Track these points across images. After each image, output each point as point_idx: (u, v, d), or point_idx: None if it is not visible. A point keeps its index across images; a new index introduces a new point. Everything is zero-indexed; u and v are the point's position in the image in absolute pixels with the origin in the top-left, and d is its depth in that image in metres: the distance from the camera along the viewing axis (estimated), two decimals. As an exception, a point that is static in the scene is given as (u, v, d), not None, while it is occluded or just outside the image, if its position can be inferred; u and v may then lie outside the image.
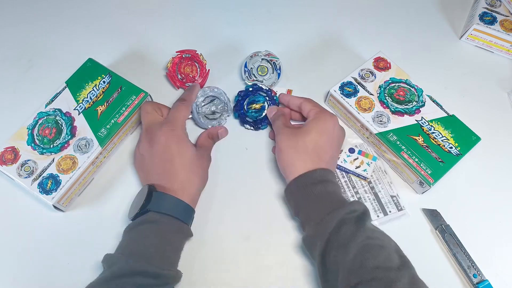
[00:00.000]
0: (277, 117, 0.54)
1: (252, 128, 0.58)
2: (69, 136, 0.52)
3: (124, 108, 0.54)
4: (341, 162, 0.56)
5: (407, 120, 0.56)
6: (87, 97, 0.55)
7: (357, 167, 0.55)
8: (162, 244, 0.44)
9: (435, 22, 0.71)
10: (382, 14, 0.71)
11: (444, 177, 0.52)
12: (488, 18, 0.66)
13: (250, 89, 0.58)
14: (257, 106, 0.58)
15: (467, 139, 0.54)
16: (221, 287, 0.49)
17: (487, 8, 0.68)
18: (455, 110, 0.56)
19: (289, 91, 0.62)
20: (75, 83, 0.56)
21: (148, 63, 0.64)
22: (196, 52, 0.61)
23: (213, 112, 0.58)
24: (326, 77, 0.63)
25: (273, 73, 0.61)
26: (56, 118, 0.53)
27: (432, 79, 0.63)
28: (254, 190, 0.55)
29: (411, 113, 0.56)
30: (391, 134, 0.54)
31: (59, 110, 0.54)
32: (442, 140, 0.54)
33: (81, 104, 0.54)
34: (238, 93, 0.59)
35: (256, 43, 0.65)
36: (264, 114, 0.58)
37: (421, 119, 0.56)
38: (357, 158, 0.56)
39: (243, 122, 0.58)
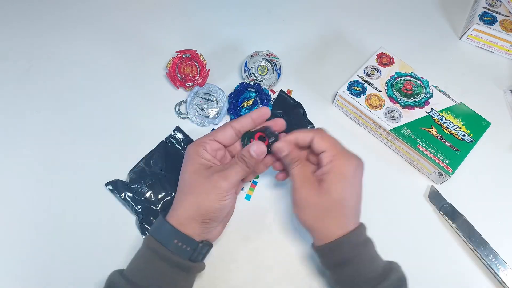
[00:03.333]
0: (293, 162, 0.44)
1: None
2: None
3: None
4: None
5: (418, 113, 0.56)
6: None
7: None
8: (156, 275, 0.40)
9: (435, 22, 0.71)
10: (382, 15, 0.71)
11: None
12: (488, 18, 0.66)
13: (239, 88, 0.59)
14: (249, 102, 0.58)
15: (478, 125, 0.55)
16: (221, 287, 0.49)
17: (487, 8, 0.68)
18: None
19: (289, 91, 0.62)
20: None
21: (148, 63, 0.64)
22: (196, 52, 0.61)
23: (202, 108, 0.58)
24: (326, 77, 0.63)
25: (273, 73, 0.61)
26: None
27: (432, 78, 0.63)
28: (257, 192, 0.55)
29: (420, 105, 0.57)
30: (405, 128, 0.55)
31: None
32: (454, 129, 0.55)
33: None
34: (228, 96, 0.59)
35: (256, 43, 0.65)
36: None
37: (432, 110, 0.56)
38: None
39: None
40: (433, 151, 0.53)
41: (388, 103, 0.57)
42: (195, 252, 0.42)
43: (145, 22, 0.68)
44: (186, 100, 0.59)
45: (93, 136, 0.57)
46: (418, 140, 0.54)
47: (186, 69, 0.60)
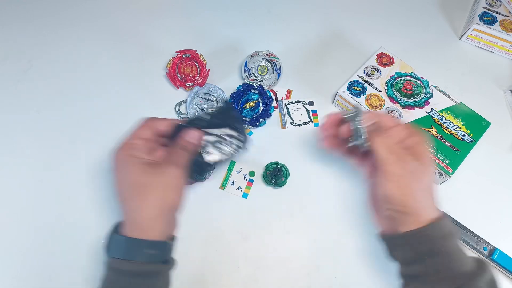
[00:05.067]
0: (377, 129, 0.43)
1: (250, 126, 0.58)
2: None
3: None
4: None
5: (418, 113, 0.56)
6: None
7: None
8: None
9: (435, 22, 0.71)
10: (382, 14, 0.71)
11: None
12: (488, 18, 0.66)
13: (241, 89, 0.59)
14: (252, 104, 0.58)
15: (477, 125, 0.56)
16: (221, 287, 0.49)
17: (487, 8, 0.68)
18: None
19: (289, 91, 0.62)
20: None
21: (148, 63, 0.64)
22: (196, 52, 0.61)
23: (202, 108, 0.58)
24: (326, 77, 0.63)
25: (273, 73, 0.61)
26: None
27: (432, 78, 0.63)
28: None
29: (420, 105, 0.57)
30: None
31: None
32: (454, 129, 0.55)
33: None
34: (230, 95, 0.59)
35: (256, 43, 0.65)
36: (259, 111, 0.58)
37: (432, 110, 0.56)
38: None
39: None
40: (433, 151, 0.53)
41: (388, 103, 0.57)
42: (167, 253, 0.41)
43: (145, 22, 0.68)
44: (186, 100, 0.59)
45: (93, 136, 0.57)
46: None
47: (186, 69, 0.60)
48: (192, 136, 0.44)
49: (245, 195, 0.54)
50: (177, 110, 0.59)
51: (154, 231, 0.39)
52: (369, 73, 0.59)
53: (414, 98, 0.57)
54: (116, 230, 0.40)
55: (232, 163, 0.56)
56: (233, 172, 0.55)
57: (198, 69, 0.61)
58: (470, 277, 0.37)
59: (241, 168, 0.56)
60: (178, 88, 0.61)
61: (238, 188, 0.54)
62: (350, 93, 0.58)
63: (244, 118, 0.58)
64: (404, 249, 0.40)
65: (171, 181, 0.41)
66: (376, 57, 0.61)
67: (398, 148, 0.42)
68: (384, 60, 0.61)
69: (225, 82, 0.62)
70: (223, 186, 0.54)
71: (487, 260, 0.46)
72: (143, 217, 0.39)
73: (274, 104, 0.60)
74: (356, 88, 0.58)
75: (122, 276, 0.38)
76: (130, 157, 0.41)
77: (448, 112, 0.56)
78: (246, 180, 0.55)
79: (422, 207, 0.40)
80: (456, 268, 0.38)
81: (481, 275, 0.37)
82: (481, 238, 0.51)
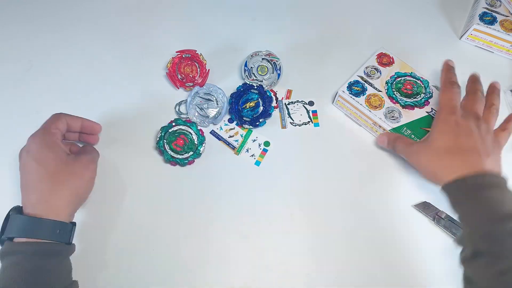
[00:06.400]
0: (395, 142, 0.54)
1: (250, 126, 0.58)
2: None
3: None
4: (217, 129, 0.57)
5: (418, 113, 0.56)
6: None
7: (230, 137, 0.56)
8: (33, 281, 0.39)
9: (435, 22, 0.71)
10: (382, 15, 0.71)
11: None
12: (488, 18, 0.66)
13: (241, 89, 0.59)
14: (252, 104, 0.58)
15: None
16: (221, 287, 0.49)
17: (487, 8, 0.68)
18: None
19: (289, 91, 0.62)
20: None
21: (148, 63, 0.64)
22: (196, 52, 0.61)
23: (202, 108, 0.58)
24: (326, 77, 0.63)
25: (273, 73, 0.61)
26: None
27: (432, 78, 0.63)
28: (253, 190, 0.55)
29: (420, 105, 0.57)
30: (405, 128, 0.55)
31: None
32: None
33: None
34: (230, 95, 0.59)
35: (256, 43, 0.65)
36: (259, 111, 0.58)
37: (432, 110, 0.56)
38: (233, 129, 0.57)
39: (240, 122, 0.58)
40: None
41: (388, 103, 0.57)
42: (70, 235, 0.44)
43: (145, 22, 0.68)
44: (186, 100, 0.59)
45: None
46: (418, 140, 0.54)
47: (186, 69, 0.60)
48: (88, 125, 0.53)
49: (257, 163, 0.56)
50: (177, 110, 0.59)
51: (64, 214, 0.44)
52: (369, 73, 0.59)
53: (414, 98, 0.57)
54: (18, 212, 0.42)
55: (249, 131, 0.58)
56: (249, 140, 0.57)
57: (198, 69, 0.61)
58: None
59: (257, 137, 0.58)
60: (178, 88, 0.61)
61: (252, 156, 0.56)
62: (350, 93, 0.58)
63: (244, 118, 0.58)
64: (460, 192, 0.45)
65: (88, 174, 0.47)
66: (376, 57, 0.61)
67: (416, 143, 0.52)
68: (384, 60, 0.61)
69: (225, 82, 0.62)
70: (237, 151, 0.56)
71: None
72: (57, 200, 0.43)
73: (274, 104, 0.60)
74: (356, 88, 0.58)
75: (26, 258, 0.39)
76: (55, 143, 0.46)
77: None
78: (261, 149, 0.57)
79: (450, 171, 0.46)
80: (503, 210, 0.41)
81: None
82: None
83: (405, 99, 0.57)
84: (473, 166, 0.45)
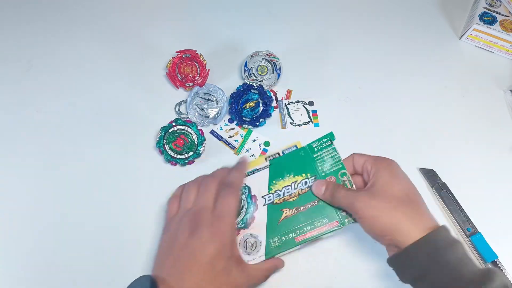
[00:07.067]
0: (335, 190, 0.43)
1: (250, 126, 0.58)
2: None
3: (309, 228, 0.44)
4: (217, 129, 0.57)
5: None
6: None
7: (230, 137, 0.56)
8: None
9: (435, 22, 0.71)
10: (382, 15, 0.72)
11: (440, 138, 0.57)
12: (488, 18, 0.66)
13: (241, 89, 0.59)
14: (252, 104, 0.58)
15: (302, 159, 0.48)
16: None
17: (487, 8, 0.68)
18: (452, 111, 0.56)
19: (289, 91, 0.62)
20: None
21: (148, 63, 0.64)
22: (196, 52, 0.61)
23: (202, 108, 0.58)
24: (327, 77, 0.63)
25: (273, 73, 0.61)
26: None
27: (432, 78, 0.63)
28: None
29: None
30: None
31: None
32: (289, 194, 0.46)
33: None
34: (230, 95, 0.59)
35: (256, 43, 0.65)
36: (259, 111, 0.58)
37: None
38: (233, 129, 0.57)
39: (240, 122, 0.58)
40: (309, 227, 0.45)
41: None
42: None
43: (145, 22, 0.68)
44: (186, 100, 0.59)
45: (92, 137, 0.57)
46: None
47: (186, 69, 0.60)
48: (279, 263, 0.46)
49: None
50: (177, 110, 0.59)
51: None
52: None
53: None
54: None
55: (249, 132, 0.58)
56: (249, 140, 0.57)
57: (198, 69, 0.61)
58: (476, 285, 0.35)
59: (257, 137, 0.57)
60: (178, 88, 0.61)
61: (252, 156, 0.56)
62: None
63: (244, 118, 0.58)
64: (408, 264, 0.38)
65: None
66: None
67: (357, 191, 0.42)
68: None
69: (225, 82, 0.62)
70: (237, 152, 0.56)
71: (498, 268, 0.47)
72: None
73: (274, 104, 0.60)
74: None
75: None
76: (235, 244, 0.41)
77: (274, 182, 0.47)
78: (261, 149, 0.56)
79: (407, 226, 0.38)
80: (463, 277, 0.36)
81: (489, 284, 0.34)
82: (469, 219, 0.52)
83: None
84: (429, 219, 0.39)
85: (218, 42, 0.66)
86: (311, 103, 0.61)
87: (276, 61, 0.61)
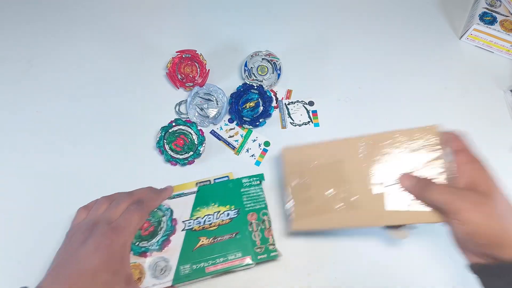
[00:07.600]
0: (427, 183, 0.39)
1: (250, 126, 0.58)
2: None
3: (222, 259, 0.44)
4: (217, 129, 0.57)
5: None
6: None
7: (230, 137, 0.56)
8: None
9: (435, 22, 0.71)
10: (382, 14, 0.72)
11: None
12: (488, 18, 0.66)
13: (241, 89, 0.59)
14: (252, 104, 0.58)
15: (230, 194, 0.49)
16: (221, 287, 0.49)
17: (487, 8, 0.68)
18: (452, 111, 0.56)
19: (289, 91, 0.62)
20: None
21: (148, 63, 0.64)
22: (196, 52, 0.61)
23: (202, 108, 0.58)
24: (326, 77, 0.63)
25: (273, 73, 0.61)
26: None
27: (432, 78, 0.63)
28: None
29: None
30: None
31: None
32: (210, 224, 0.47)
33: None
34: (230, 95, 0.59)
35: (256, 43, 0.65)
36: (259, 111, 0.58)
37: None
38: (233, 129, 0.57)
39: (240, 122, 0.58)
40: (222, 259, 0.45)
41: None
42: None
43: (145, 22, 0.68)
44: (186, 100, 0.59)
45: (93, 137, 0.57)
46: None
47: (186, 69, 0.60)
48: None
49: (257, 163, 0.56)
50: (177, 110, 0.59)
51: None
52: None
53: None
54: None
55: (249, 132, 0.58)
56: (249, 140, 0.57)
57: (198, 69, 0.61)
58: None
59: (257, 137, 0.57)
60: (178, 88, 0.61)
61: (252, 156, 0.56)
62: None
63: (244, 118, 0.58)
64: (507, 280, 0.34)
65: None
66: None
67: (464, 189, 0.38)
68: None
69: (225, 82, 0.62)
70: (237, 152, 0.56)
71: None
72: None
73: (274, 104, 0.60)
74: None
75: None
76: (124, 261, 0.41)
77: (198, 208, 0.47)
78: (261, 149, 0.57)
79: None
80: None
81: None
82: None
83: None
84: None
85: (218, 42, 0.66)
86: (311, 103, 0.61)
87: (276, 61, 0.61)
